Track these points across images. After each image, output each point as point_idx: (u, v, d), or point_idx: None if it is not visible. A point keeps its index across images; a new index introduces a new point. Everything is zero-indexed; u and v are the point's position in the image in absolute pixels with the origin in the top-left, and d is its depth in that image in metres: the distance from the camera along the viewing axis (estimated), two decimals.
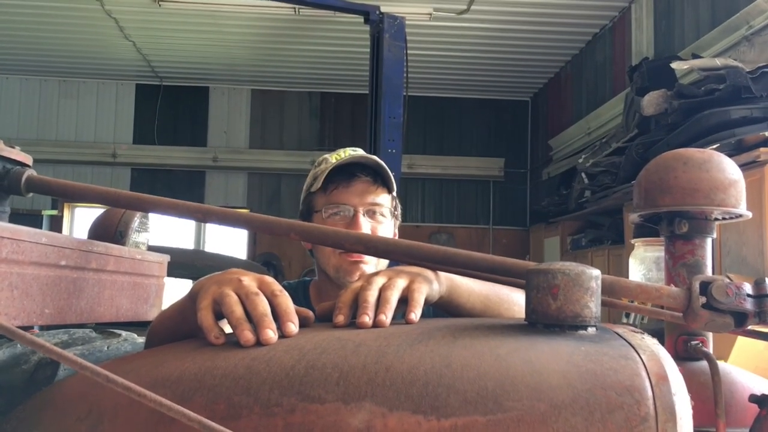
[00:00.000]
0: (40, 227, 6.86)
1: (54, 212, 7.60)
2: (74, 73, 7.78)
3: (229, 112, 8.20)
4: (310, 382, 0.69)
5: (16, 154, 0.99)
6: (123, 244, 1.25)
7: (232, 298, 0.82)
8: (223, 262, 4.44)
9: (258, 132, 8.24)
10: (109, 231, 1.23)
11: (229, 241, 8.16)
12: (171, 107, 8.07)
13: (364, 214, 1.45)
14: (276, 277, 0.93)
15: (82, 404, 0.76)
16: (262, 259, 7.43)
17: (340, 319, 0.86)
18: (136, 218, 1.29)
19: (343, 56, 7.08)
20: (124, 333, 1.80)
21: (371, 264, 1.43)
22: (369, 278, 0.92)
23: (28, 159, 1.01)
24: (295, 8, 5.91)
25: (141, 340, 1.79)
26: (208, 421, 0.63)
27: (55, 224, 7.59)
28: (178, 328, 0.98)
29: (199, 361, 0.76)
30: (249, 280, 0.86)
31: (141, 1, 5.89)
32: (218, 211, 1.00)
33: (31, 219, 7.12)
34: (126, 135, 8.07)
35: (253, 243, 7.90)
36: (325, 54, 7.07)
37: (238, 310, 0.81)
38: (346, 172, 1.46)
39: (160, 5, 5.86)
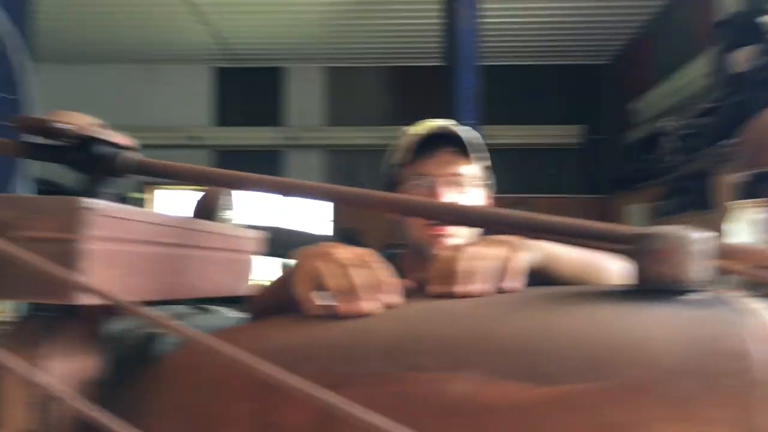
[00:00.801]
0: None
1: (139, 195, 7.90)
2: (153, 59, 8.01)
3: (304, 91, 8.28)
4: (412, 351, 0.70)
5: (121, 137, 1.03)
6: (216, 221, 1.29)
7: (331, 271, 0.84)
8: (301, 238, 4.52)
9: (333, 109, 8.30)
10: (207, 209, 1.27)
11: (308, 216, 8.28)
12: (247, 88, 8.22)
13: (446, 185, 1.45)
14: None
15: (191, 376, 0.80)
16: (341, 234, 7.52)
17: (437, 288, 0.86)
18: (224, 196, 1.33)
19: (415, 28, 7.02)
20: (215, 308, 1.86)
21: (457, 236, 1.43)
22: (464, 248, 0.92)
23: (133, 142, 1.05)
24: None
25: (232, 314, 1.85)
26: (318, 390, 0.64)
27: (139, 207, 7.85)
28: (279, 302, 1.01)
29: (303, 332, 0.78)
30: (347, 252, 0.87)
31: None
32: (315, 186, 1.02)
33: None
34: (204, 118, 8.28)
35: (333, 218, 8.00)
36: (398, 27, 7.03)
37: (338, 282, 0.82)
38: (429, 143, 1.46)
39: None
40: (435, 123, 1.52)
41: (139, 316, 0.76)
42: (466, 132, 1.47)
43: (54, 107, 1.05)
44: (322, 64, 8.22)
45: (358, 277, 0.83)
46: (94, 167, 1.02)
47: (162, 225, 0.91)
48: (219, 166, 7.76)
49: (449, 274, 0.86)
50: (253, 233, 1.17)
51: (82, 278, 0.73)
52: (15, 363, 0.76)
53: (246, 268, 1.14)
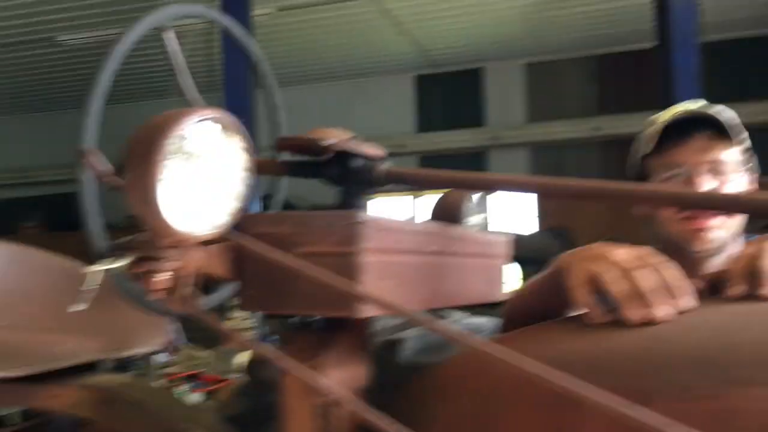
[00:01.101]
0: None
1: None
2: (360, 73, 8.35)
3: (504, 89, 8.19)
4: (732, 363, 0.61)
5: (371, 148, 1.04)
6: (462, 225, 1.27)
7: (613, 274, 0.77)
8: (527, 241, 4.44)
9: (536, 105, 8.11)
10: (450, 214, 1.26)
11: (513, 214, 8.13)
12: (448, 92, 8.29)
13: (704, 174, 1.31)
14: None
15: (473, 385, 0.77)
16: (550, 232, 7.30)
17: (738, 290, 0.77)
18: (471, 199, 1.30)
19: (621, 11, 6.65)
20: (454, 313, 1.85)
21: (721, 229, 1.29)
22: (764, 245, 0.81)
23: (381, 152, 1.06)
24: None
25: (473, 319, 1.83)
26: (627, 404, 0.59)
27: None
28: (541, 308, 0.96)
29: (590, 341, 0.72)
30: (626, 253, 0.80)
31: None
32: (570, 184, 0.96)
33: None
34: (409, 125, 8.47)
35: (543, 215, 7.81)
36: (601, 12, 6.70)
37: (623, 286, 0.76)
38: (680, 129, 1.34)
39: None
40: (685, 106, 1.38)
41: (421, 326, 0.74)
42: (721, 112, 1.33)
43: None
44: (522, 60, 8.06)
45: (644, 280, 0.75)
46: (351, 180, 1.04)
47: (425, 234, 0.90)
48: None
49: (756, 273, 0.76)
50: (502, 237, 1.14)
51: (366, 291, 0.73)
52: (300, 371, 0.78)
53: (499, 273, 1.11)
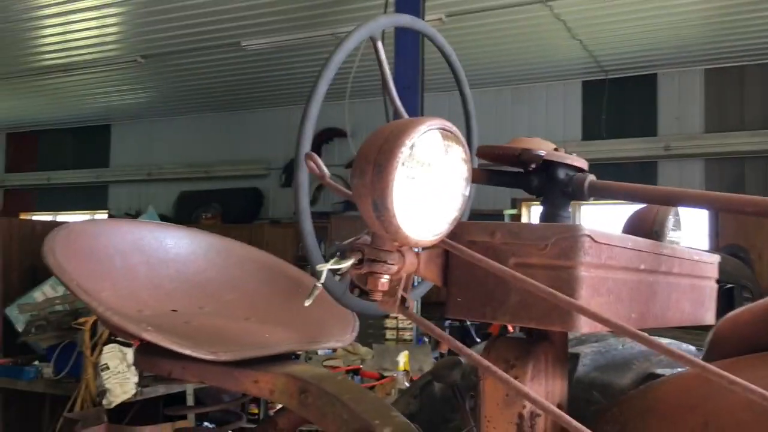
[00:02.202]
0: None
1: (514, 211, 8.13)
2: (525, 79, 8.22)
3: (680, 97, 7.74)
4: None
5: (576, 160, 1.03)
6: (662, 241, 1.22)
7: None
8: None
9: (715, 114, 7.59)
10: (645, 229, 1.21)
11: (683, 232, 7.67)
12: (618, 99, 7.95)
13: None
14: None
15: (692, 415, 0.74)
16: (727, 251, 6.81)
17: None
18: (670, 215, 1.24)
19: None
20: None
21: None
22: None
23: (584, 164, 1.04)
24: None
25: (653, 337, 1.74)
26: None
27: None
28: (758, 337, 0.90)
29: None
30: None
31: None
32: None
33: (493, 218, 7.71)
34: (575, 132, 8.22)
35: (714, 234, 7.30)
36: None
37: None
38: None
39: None
40: None
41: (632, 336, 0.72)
42: None
43: None
44: (701, 66, 7.59)
45: None
46: (555, 191, 1.03)
47: (638, 250, 0.87)
48: None
49: None
50: (712, 257, 1.08)
51: (587, 307, 0.72)
52: (502, 378, 0.78)
53: (707, 294, 1.05)
